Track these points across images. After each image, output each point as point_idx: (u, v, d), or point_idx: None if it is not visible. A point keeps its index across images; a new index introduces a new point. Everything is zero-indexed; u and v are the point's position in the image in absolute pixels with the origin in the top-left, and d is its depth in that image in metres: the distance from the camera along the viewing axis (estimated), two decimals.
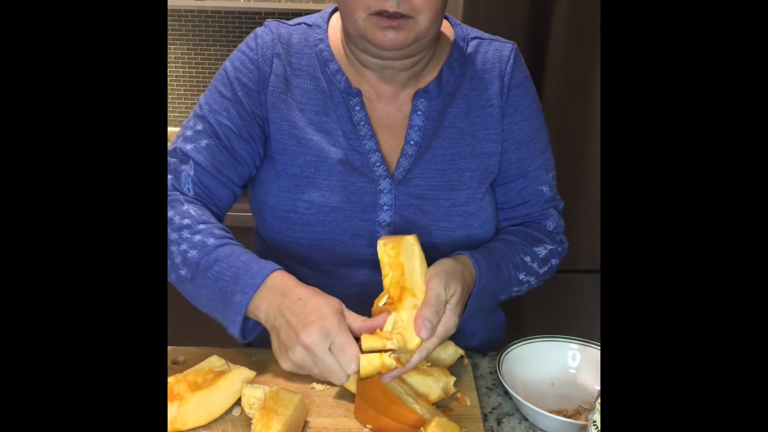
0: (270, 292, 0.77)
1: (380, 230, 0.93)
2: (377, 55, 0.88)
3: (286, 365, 0.74)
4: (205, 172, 0.91)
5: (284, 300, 0.75)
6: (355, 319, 0.75)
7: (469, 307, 0.85)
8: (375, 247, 0.91)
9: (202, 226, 0.84)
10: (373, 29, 0.83)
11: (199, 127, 0.92)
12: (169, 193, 0.88)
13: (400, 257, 0.78)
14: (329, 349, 0.71)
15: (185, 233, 0.83)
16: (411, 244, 0.80)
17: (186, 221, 0.84)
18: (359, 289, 0.94)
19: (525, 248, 0.95)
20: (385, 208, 0.92)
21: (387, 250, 0.79)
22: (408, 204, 0.93)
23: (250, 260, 0.81)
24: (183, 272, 0.83)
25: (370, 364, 0.72)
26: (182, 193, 0.89)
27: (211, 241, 0.82)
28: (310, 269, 0.96)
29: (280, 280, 0.78)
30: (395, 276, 0.78)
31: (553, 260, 1.00)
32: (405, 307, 0.76)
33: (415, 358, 0.75)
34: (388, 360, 0.72)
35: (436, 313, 0.75)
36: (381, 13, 0.82)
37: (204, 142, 0.91)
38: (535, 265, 0.95)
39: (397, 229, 0.93)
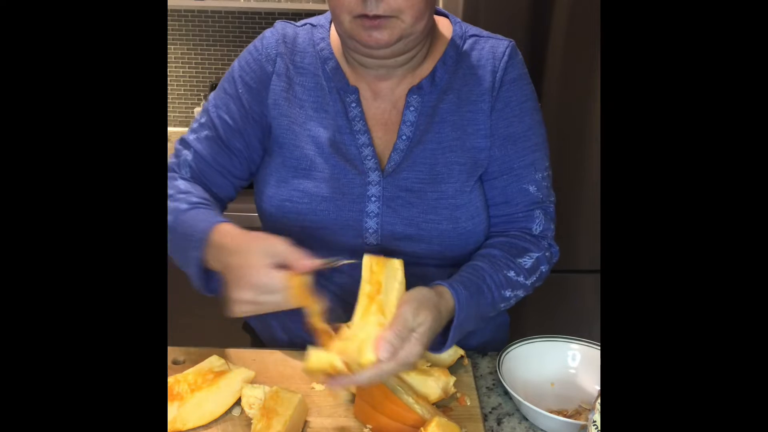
0: (213, 248, 0.84)
1: (368, 221, 0.94)
2: (368, 54, 0.91)
3: (234, 314, 0.80)
4: (202, 159, 0.99)
5: (222, 255, 0.82)
6: (301, 260, 0.78)
7: (451, 339, 0.85)
8: (363, 238, 0.95)
9: (181, 195, 0.93)
10: (358, 30, 0.87)
11: (203, 120, 1.01)
12: (169, 173, 0.99)
13: (381, 275, 0.80)
14: (265, 291, 0.77)
15: (168, 201, 0.91)
16: (395, 268, 0.81)
17: (170, 191, 0.94)
18: (347, 278, 0.96)
19: (509, 262, 0.94)
20: (372, 199, 0.94)
21: (371, 265, 0.81)
22: (395, 196, 0.94)
23: (204, 218, 0.88)
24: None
25: (318, 360, 0.73)
26: (179, 174, 0.99)
27: (183, 206, 0.91)
28: None
29: (220, 234, 0.84)
30: (372, 291, 0.79)
31: (542, 267, 0.98)
32: (369, 322, 0.76)
33: (366, 376, 0.74)
34: (338, 362, 0.72)
35: (398, 337, 0.75)
36: (363, 15, 0.85)
37: (204, 133, 1.00)
38: (520, 279, 0.94)
39: (385, 221, 0.94)
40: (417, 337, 0.76)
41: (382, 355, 0.73)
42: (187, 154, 0.99)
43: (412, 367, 0.79)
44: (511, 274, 0.93)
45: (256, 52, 0.99)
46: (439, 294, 0.83)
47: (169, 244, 0.89)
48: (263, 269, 0.76)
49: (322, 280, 0.96)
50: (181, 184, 0.96)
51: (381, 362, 0.73)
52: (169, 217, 0.90)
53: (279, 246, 0.78)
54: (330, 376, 0.74)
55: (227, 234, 0.83)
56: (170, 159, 1.01)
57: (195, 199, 0.92)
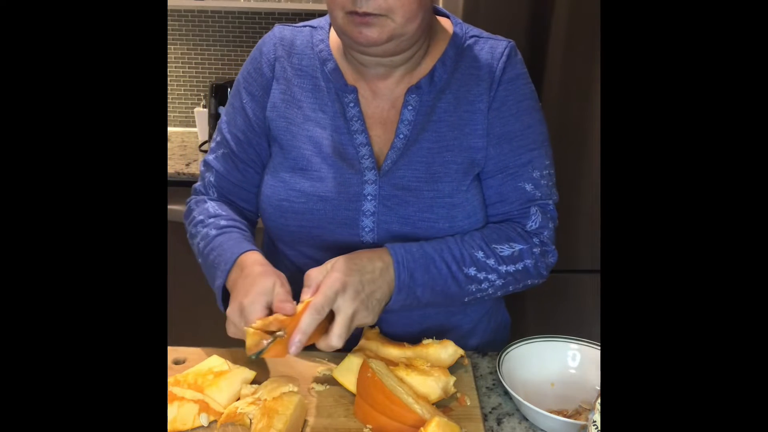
0: (230, 278, 0.90)
1: (364, 219, 0.95)
2: (361, 51, 0.92)
3: (228, 333, 0.85)
4: (223, 178, 1.04)
5: (233, 285, 0.88)
6: (281, 298, 0.83)
7: (396, 297, 0.88)
8: (359, 237, 0.96)
9: (211, 220, 0.98)
10: (350, 26, 0.88)
11: (218, 138, 1.05)
12: (198, 197, 1.06)
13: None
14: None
15: (199, 227, 0.99)
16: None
17: (201, 217, 1.00)
18: None
19: (481, 244, 0.93)
20: (369, 198, 0.95)
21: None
22: (392, 194, 0.94)
23: (231, 247, 0.93)
24: (200, 260, 0.99)
25: (252, 333, 0.78)
26: (208, 196, 1.05)
27: (213, 232, 0.97)
28: (303, 256, 1.01)
29: (247, 260, 0.90)
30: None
31: (525, 261, 0.96)
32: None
33: (306, 316, 0.78)
34: (261, 322, 0.78)
35: (318, 272, 0.83)
36: (354, 12, 0.86)
37: (221, 152, 1.04)
38: (490, 262, 0.93)
39: (381, 219, 0.94)
40: (337, 267, 0.83)
41: (306, 296, 0.81)
42: (210, 176, 1.04)
43: (354, 298, 0.82)
44: (479, 254, 0.92)
45: (255, 60, 1.02)
46: (370, 250, 0.89)
47: (202, 268, 0.99)
48: (254, 302, 0.82)
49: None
50: (211, 207, 1.01)
51: (312, 303, 0.79)
52: (201, 243, 0.97)
53: (272, 286, 0.83)
54: (276, 345, 0.78)
55: (247, 262, 0.89)
56: (197, 183, 1.07)
57: (224, 223, 0.98)
